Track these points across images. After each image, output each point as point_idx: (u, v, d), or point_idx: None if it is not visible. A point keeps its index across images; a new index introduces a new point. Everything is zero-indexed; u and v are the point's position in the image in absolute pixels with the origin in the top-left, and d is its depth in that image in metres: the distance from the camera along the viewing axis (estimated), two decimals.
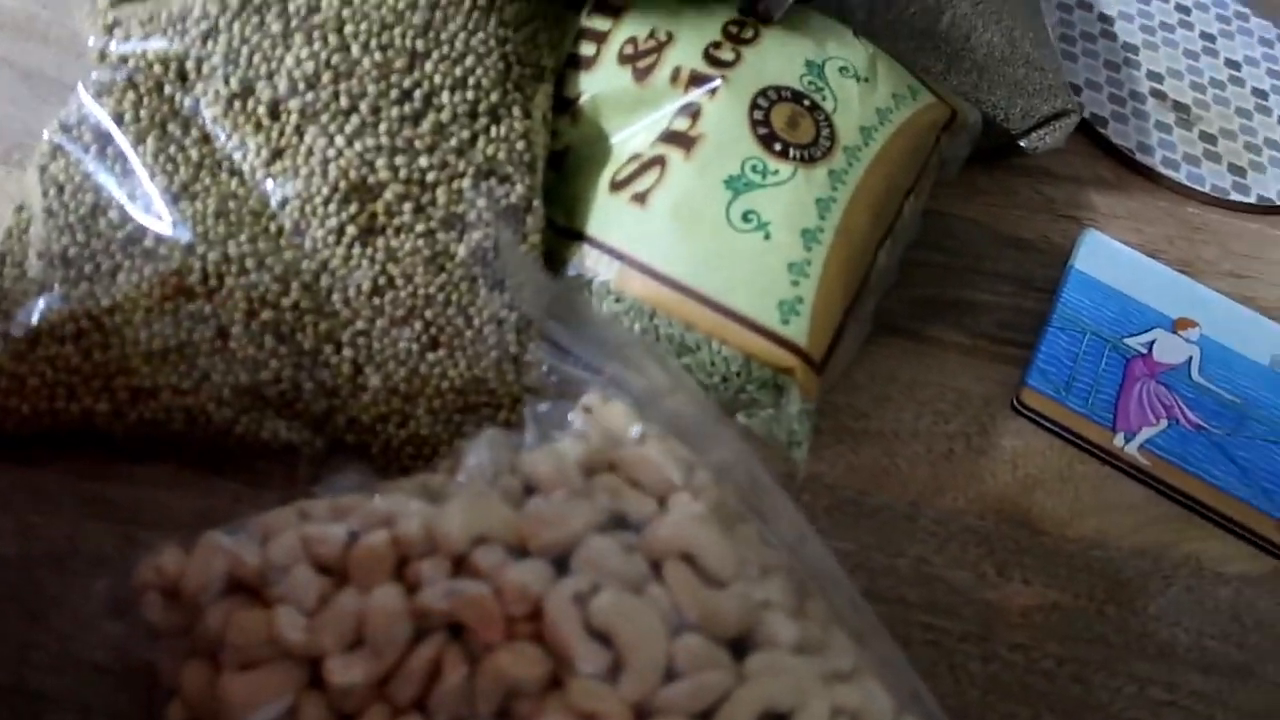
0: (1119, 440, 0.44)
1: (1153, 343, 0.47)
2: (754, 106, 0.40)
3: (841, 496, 0.41)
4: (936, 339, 0.46)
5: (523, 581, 0.27)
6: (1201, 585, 0.42)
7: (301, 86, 0.36)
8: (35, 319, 0.34)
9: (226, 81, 0.36)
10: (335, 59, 0.36)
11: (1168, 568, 0.42)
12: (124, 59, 0.37)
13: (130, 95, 0.36)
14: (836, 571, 0.32)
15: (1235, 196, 0.55)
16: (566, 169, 0.41)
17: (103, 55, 0.37)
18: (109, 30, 0.37)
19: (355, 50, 0.37)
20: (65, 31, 0.45)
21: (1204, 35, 0.62)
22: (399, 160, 0.36)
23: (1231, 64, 0.61)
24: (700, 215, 0.38)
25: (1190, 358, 0.47)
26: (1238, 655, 0.40)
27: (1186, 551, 0.42)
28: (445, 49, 0.37)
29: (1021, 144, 0.50)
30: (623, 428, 0.32)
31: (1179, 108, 0.58)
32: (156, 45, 0.36)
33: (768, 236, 0.38)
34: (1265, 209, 0.55)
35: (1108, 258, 0.50)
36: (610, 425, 0.32)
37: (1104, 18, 0.61)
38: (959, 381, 0.45)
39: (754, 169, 0.39)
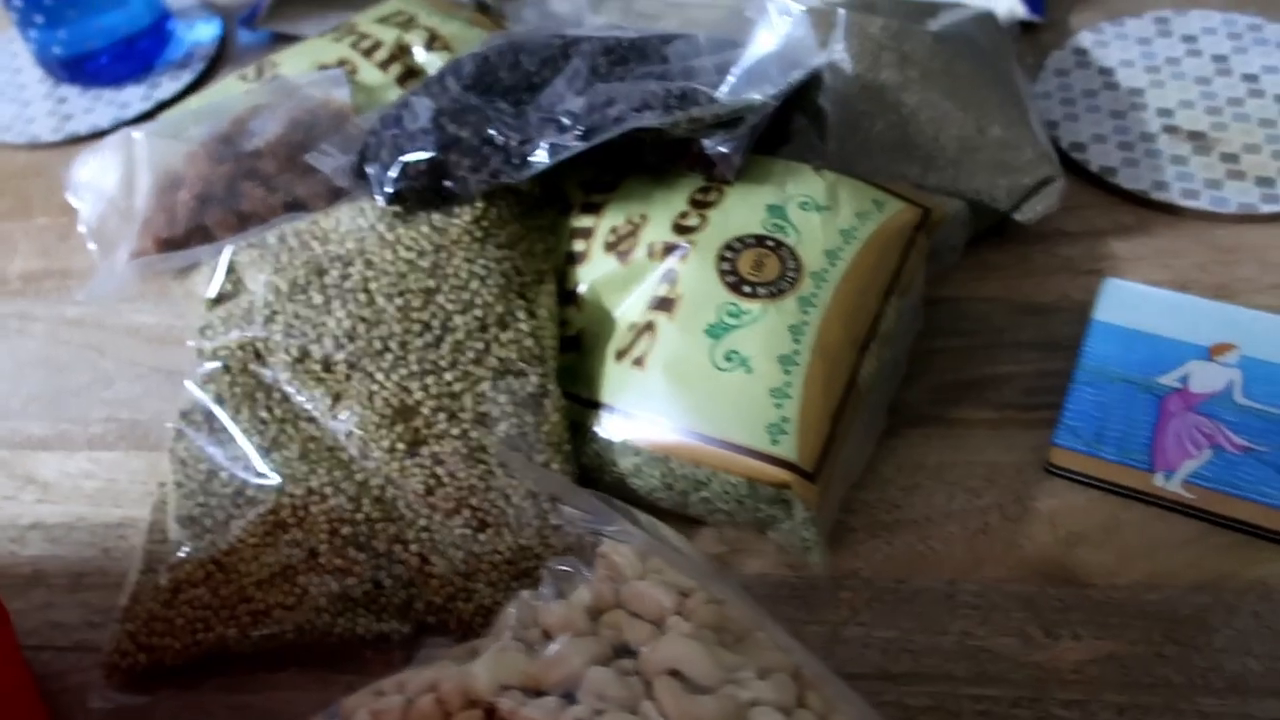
0: (1159, 480, 0.45)
1: (1187, 376, 0.48)
2: (721, 259, 0.45)
3: (880, 588, 0.43)
4: (962, 419, 0.48)
5: (535, 717, 0.32)
6: (1271, 610, 0.41)
7: (344, 341, 0.45)
8: (176, 572, 0.43)
9: (288, 351, 0.45)
10: (366, 313, 0.45)
11: (1231, 598, 0.41)
12: (216, 352, 0.46)
13: (225, 379, 0.46)
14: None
15: (1266, 209, 0.55)
16: (583, 348, 0.48)
17: (200, 352, 0.47)
18: (203, 332, 0.47)
19: (380, 301, 0.45)
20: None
21: (1215, 58, 0.63)
22: (428, 380, 0.44)
23: (1249, 78, 0.61)
24: (689, 366, 0.44)
25: (1231, 382, 0.47)
26: None
27: (1250, 578, 0.42)
28: (452, 280, 0.45)
29: (1016, 218, 0.53)
30: (629, 569, 0.37)
31: (1194, 136, 0.59)
32: (236, 336, 0.46)
33: (749, 370, 0.43)
34: None
35: (1131, 302, 0.51)
36: (619, 568, 0.37)
37: (1104, 70, 0.63)
38: (988, 456, 0.47)
39: (729, 314, 0.44)
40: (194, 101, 0.61)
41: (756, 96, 0.46)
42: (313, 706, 0.43)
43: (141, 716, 0.42)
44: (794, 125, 0.54)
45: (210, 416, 0.46)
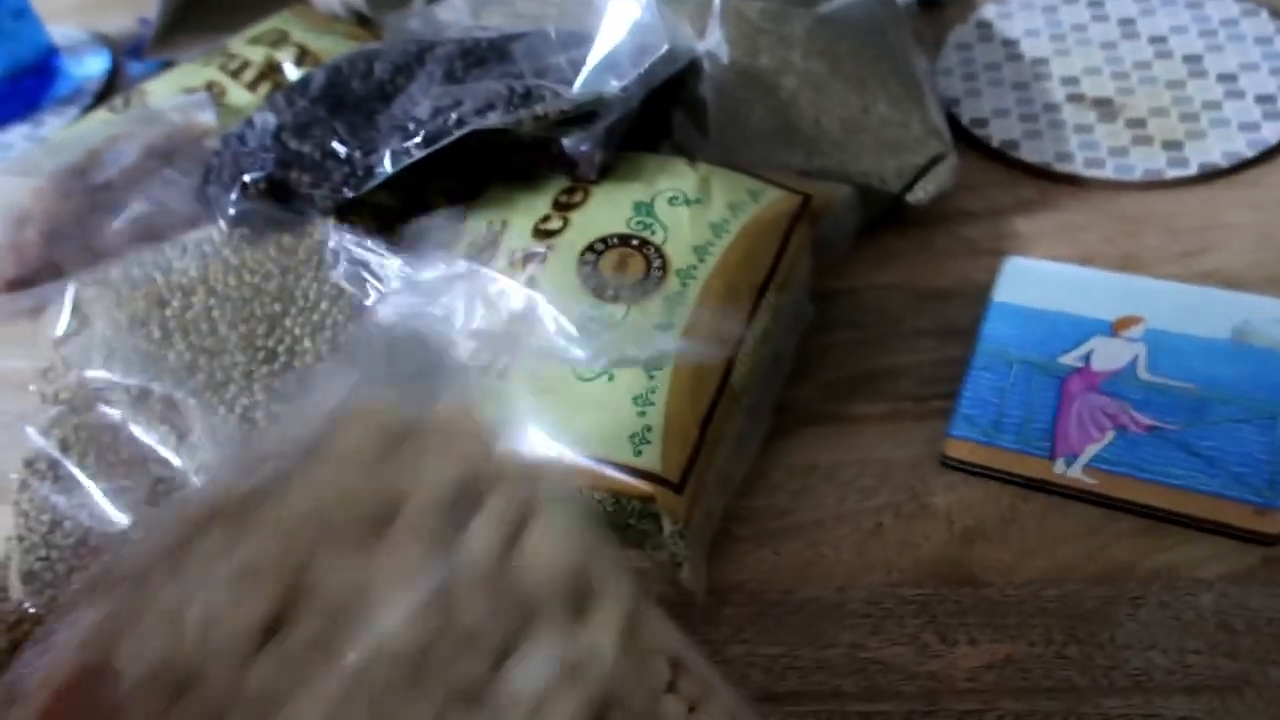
0: (1059, 467, 0.42)
1: (1090, 353, 0.45)
2: (581, 263, 0.43)
3: (766, 601, 0.41)
4: (855, 415, 0.46)
5: None
6: (1177, 598, 0.38)
7: (184, 376, 0.42)
8: (14, 633, 0.40)
9: (128, 390, 0.42)
10: (208, 343, 0.42)
11: (1135, 588, 0.39)
12: (58, 395, 0.44)
13: (70, 422, 0.43)
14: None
15: (1173, 173, 0.52)
16: None
17: (43, 395, 0.44)
18: (45, 375, 0.45)
19: (223, 330, 0.42)
20: None
21: (1122, 21, 0.61)
22: (275, 409, 0.41)
23: (1156, 39, 0.59)
24: (552, 379, 0.41)
25: (1135, 357, 0.45)
26: (1230, 666, 0.36)
27: (1154, 566, 0.39)
28: (300, 303, 0.43)
29: (908, 199, 0.50)
30: None
31: (1100, 104, 0.56)
32: (76, 377, 0.44)
33: (611, 378, 0.40)
34: (1209, 176, 0.52)
35: (1032, 280, 0.48)
36: None
37: (1008, 42, 0.61)
38: (882, 452, 0.44)
39: (592, 320, 0.42)
40: (56, 136, 0.59)
41: (608, 90, 0.44)
42: None
43: None
44: (674, 118, 0.51)
45: (55, 464, 0.43)
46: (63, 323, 0.46)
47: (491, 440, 0.28)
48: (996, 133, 0.56)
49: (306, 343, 0.42)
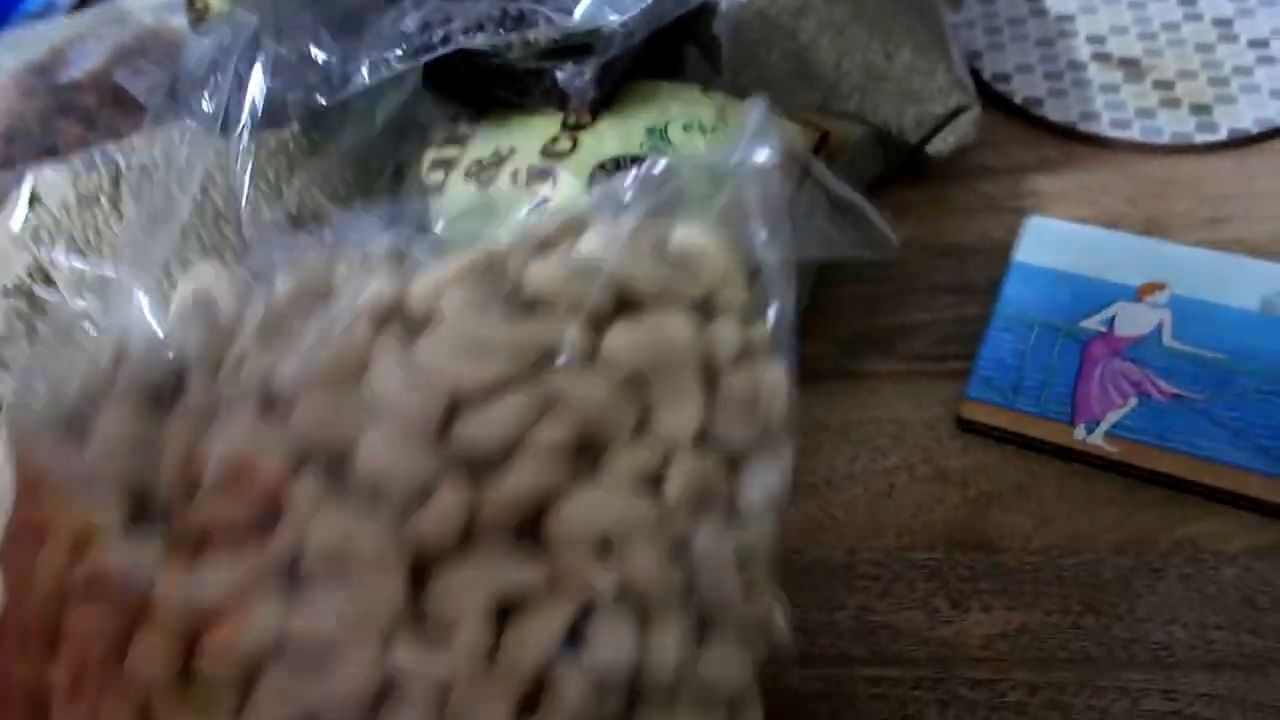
0: (1080, 433, 0.40)
1: (1113, 318, 0.44)
2: (592, 181, 0.41)
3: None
4: (869, 373, 0.44)
5: None
6: (1200, 572, 0.37)
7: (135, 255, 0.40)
8: None
9: (71, 268, 0.40)
10: (159, 207, 0.40)
11: (1156, 560, 0.37)
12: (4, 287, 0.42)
13: (14, 309, 0.41)
14: None
15: (1201, 138, 0.50)
16: None
17: None
18: None
19: (176, 193, 0.40)
20: None
21: None
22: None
23: (1185, 1, 0.57)
24: None
25: (1160, 324, 0.43)
26: (1253, 643, 0.35)
27: (1178, 537, 0.38)
28: (264, 189, 0.41)
29: (927, 151, 0.48)
30: None
31: (1126, 64, 0.54)
32: (24, 262, 0.41)
33: None
34: (1239, 141, 0.50)
35: (1055, 241, 0.46)
36: None
37: None
38: (896, 412, 0.43)
39: None
40: (18, 33, 0.55)
41: (607, 23, 0.41)
42: None
43: None
44: (687, 55, 0.49)
45: None
46: (20, 215, 0.43)
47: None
48: (1020, 89, 0.54)
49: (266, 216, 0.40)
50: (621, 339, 0.25)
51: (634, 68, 0.45)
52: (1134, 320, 0.43)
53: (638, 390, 0.25)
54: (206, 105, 0.40)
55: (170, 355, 0.26)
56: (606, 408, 0.24)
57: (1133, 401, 0.41)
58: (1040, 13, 0.58)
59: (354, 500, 0.23)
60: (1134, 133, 0.51)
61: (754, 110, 0.30)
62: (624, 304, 0.26)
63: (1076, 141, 0.52)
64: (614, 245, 0.26)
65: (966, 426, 0.42)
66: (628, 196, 0.27)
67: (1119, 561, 0.37)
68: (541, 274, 0.25)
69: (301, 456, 0.23)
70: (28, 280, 0.41)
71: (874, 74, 0.48)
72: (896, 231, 0.49)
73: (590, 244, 0.26)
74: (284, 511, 0.23)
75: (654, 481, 0.24)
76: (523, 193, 0.41)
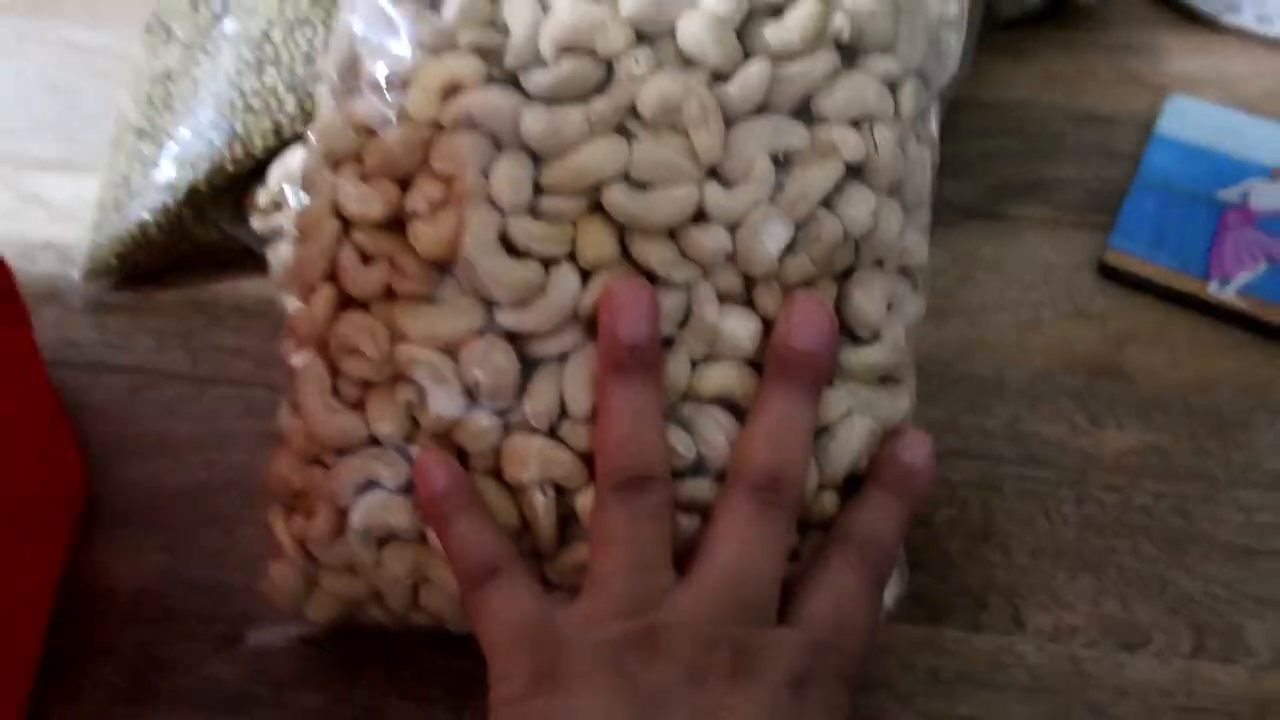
0: (1213, 287, 0.44)
1: (1248, 193, 0.47)
2: None
3: (926, 371, 0.42)
4: (1018, 217, 0.47)
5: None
6: None
7: None
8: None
9: None
10: None
11: (1275, 402, 0.42)
12: None
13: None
14: None
15: None
16: None
17: None
18: None
19: None
20: None
21: None
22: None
23: None
24: None
25: None
26: None
27: None
28: None
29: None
30: None
31: None
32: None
33: None
34: None
35: (1195, 119, 0.50)
36: None
37: None
38: (1043, 253, 0.46)
39: None
40: None
41: None
42: None
43: None
44: None
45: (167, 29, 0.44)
46: None
47: None
48: None
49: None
50: None
51: None
52: (1268, 196, 0.47)
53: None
54: None
55: None
56: (878, 17, 0.30)
57: (1263, 265, 0.45)
58: None
59: (675, 67, 0.29)
60: (1277, 29, 0.54)
61: None
62: None
63: (1220, 32, 0.54)
64: None
65: (1108, 273, 0.45)
66: None
67: (1242, 401, 0.42)
68: None
69: (634, 32, 0.29)
70: None
71: None
72: (1045, 97, 0.52)
73: None
74: (618, 79, 0.29)
75: (892, 87, 0.31)
76: None
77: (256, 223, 0.43)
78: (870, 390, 0.31)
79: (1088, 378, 0.42)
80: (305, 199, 0.31)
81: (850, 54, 0.30)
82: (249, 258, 0.44)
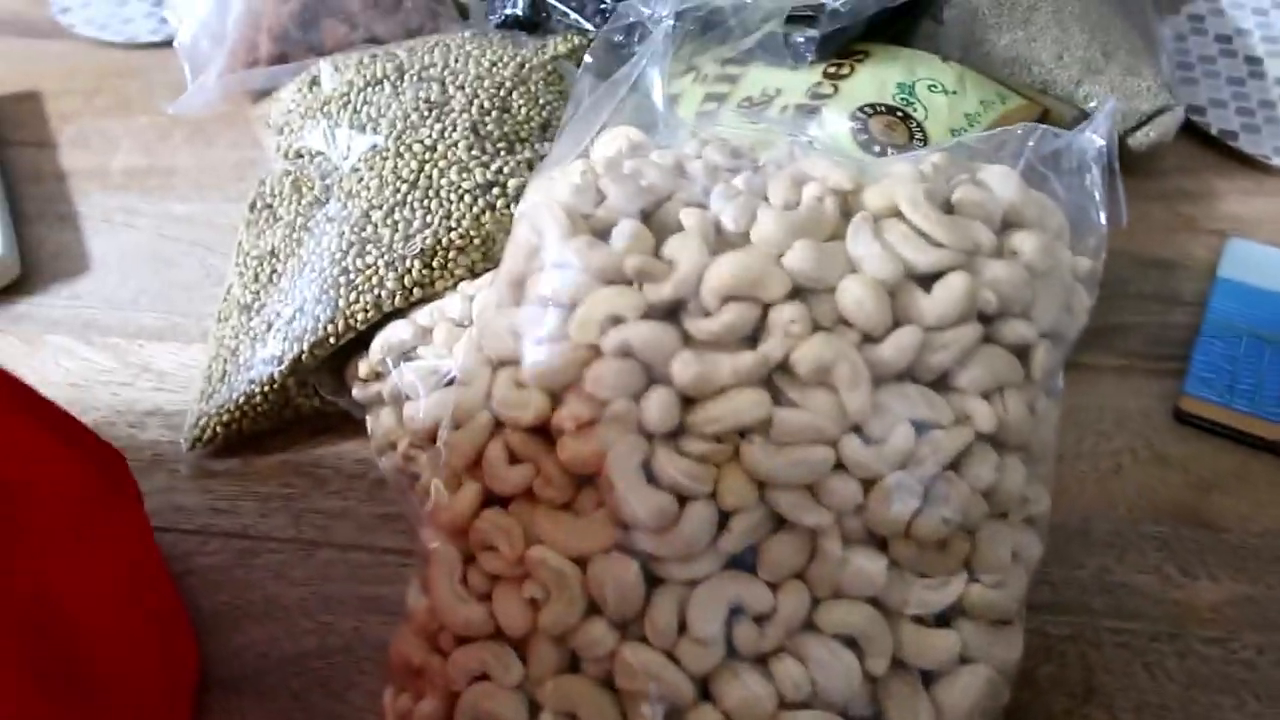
0: None
1: None
2: (854, 119, 0.46)
3: None
4: (1089, 365, 0.48)
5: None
6: None
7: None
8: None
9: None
10: (434, 95, 0.47)
11: None
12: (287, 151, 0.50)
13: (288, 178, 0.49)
14: None
15: None
16: None
17: (278, 148, 0.50)
18: (281, 130, 0.50)
19: (451, 90, 0.47)
20: None
21: None
22: (485, 158, 0.46)
23: None
24: None
25: None
26: None
27: None
28: (530, 86, 0.48)
29: (1129, 143, 0.53)
30: None
31: None
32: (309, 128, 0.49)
33: None
34: None
35: (1256, 261, 0.51)
36: None
37: (1221, 38, 0.63)
38: (1117, 401, 0.47)
39: None
40: None
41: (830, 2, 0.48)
42: None
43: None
44: (920, 30, 0.54)
45: (271, 210, 0.48)
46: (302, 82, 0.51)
47: None
48: (1214, 121, 0.58)
49: (527, 129, 0.47)
50: (1029, 244, 0.32)
51: (870, 33, 0.51)
52: None
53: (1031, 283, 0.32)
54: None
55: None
56: (1019, 287, 0.32)
57: None
58: (1230, 54, 0.62)
59: (830, 327, 0.31)
60: None
61: (1107, 103, 0.36)
62: (1008, 223, 0.33)
63: (1269, 174, 0.56)
64: (1008, 181, 0.34)
65: (1184, 419, 0.46)
66: (1018, 149, 0.36)
67: None
68: (966, 194, 0.33)
69: (794, 289, 0.30)
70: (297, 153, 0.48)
71: (1091, 69, 0.53)
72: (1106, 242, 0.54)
73: (990, 176, 0.34)
74: (771, 328, 0.30)
75: (1023, 355, 0.33)
76: (789, 125, 0.46)
77: (357, 391, 0.45)
78: (987, 631, 0.32)
79: (1173, 526, 0.43)
80: (461, 392, 0.33)
81: (987, 318, 0.32)
82: (347, 422, 0.46)
